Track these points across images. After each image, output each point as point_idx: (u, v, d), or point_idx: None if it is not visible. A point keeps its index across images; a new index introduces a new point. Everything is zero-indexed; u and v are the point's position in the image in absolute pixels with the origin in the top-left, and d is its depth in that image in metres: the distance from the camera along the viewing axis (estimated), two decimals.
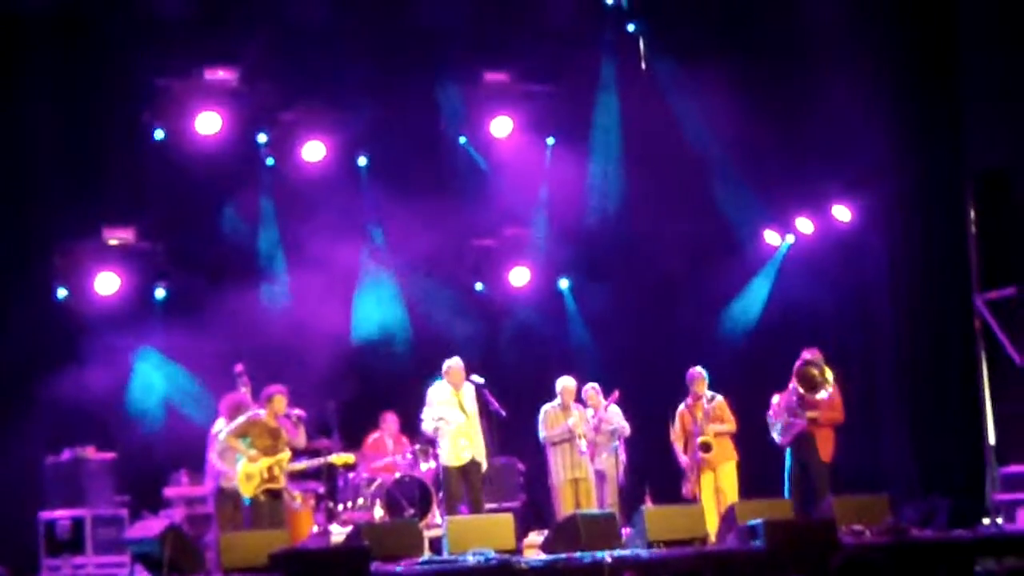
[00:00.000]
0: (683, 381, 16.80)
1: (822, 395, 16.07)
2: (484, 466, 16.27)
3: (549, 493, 17.09)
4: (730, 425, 16.60)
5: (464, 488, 15.96)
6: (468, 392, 16.24)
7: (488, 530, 14.41)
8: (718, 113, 18.76)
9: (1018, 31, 17.37)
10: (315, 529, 16.62)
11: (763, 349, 19.04)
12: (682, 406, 16.69)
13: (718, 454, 16.45)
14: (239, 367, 16.00)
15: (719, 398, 16.69)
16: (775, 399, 16.40)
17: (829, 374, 16.12)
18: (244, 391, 15.79)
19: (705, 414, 16.50)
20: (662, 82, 19.85)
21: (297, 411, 15.41)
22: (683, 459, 16.63)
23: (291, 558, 12.56)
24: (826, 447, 16.19)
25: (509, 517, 14.91)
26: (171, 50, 18.05)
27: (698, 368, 16.72)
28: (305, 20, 18.29)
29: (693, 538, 14.53)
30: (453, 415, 16.06)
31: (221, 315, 17.74)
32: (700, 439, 16.39)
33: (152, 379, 18.24)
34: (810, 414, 16.08)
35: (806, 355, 16.26)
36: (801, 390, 16.08)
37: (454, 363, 16.26)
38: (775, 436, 16.35)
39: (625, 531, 15.07)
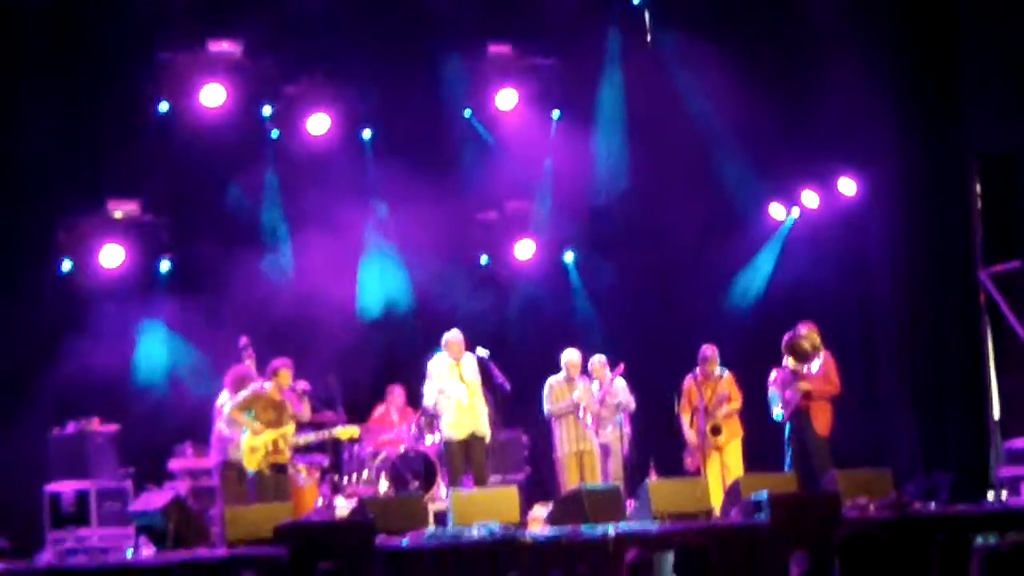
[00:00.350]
0: (687, 354, 16.83)
1: (815, 365, 16.07)
2: (488, 438, 16.27)
3: (554, 466, 17.13)
4: (736, 402, 16.63)
5: (466, 462, 15.97)
6: (469, 363, 16.24)
7: (493, 503, 14.41)
8: (723, 87, 18.72)
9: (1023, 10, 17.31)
10: (320, 502, 16.65)
11: (767, 323, 18.98)
12: (689, 378, 16.70)
13: (725, 432, 16.49)
14: (244, 340, 16.03)
15: (727, 373, 16.70)
16: (773, 375, 16.39)
17: (819, 345, 16.12)
18: (249, 364, 15.83)
19: (716, 396, 16.50)
20: (667, 56, 19.79)
21: (302, 384, 15.45)
22: (688, 432, 16.64)
23: (296, 531, 12.58)
24: (823, 420, 16.14)
25: (514, 490, 14.90)
26: (175, 23, 17.98)
27: (711, 345, 16.73)
28: None
29: (698, 512, 14.53)
30: (454, 387, 16.07)
31: (226, 288, 17.77)
32: (710, 423, 16.43)
33: (157, 352, 18.25)
34: (803, 386, 16.06)
35: (801, 329, 16.26)
36: (792, 364, 16.09)
37: (452, 335, 16.27)
38: (776, 412, 16.34)
39: (629, 504, 15.09)
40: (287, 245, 19.04)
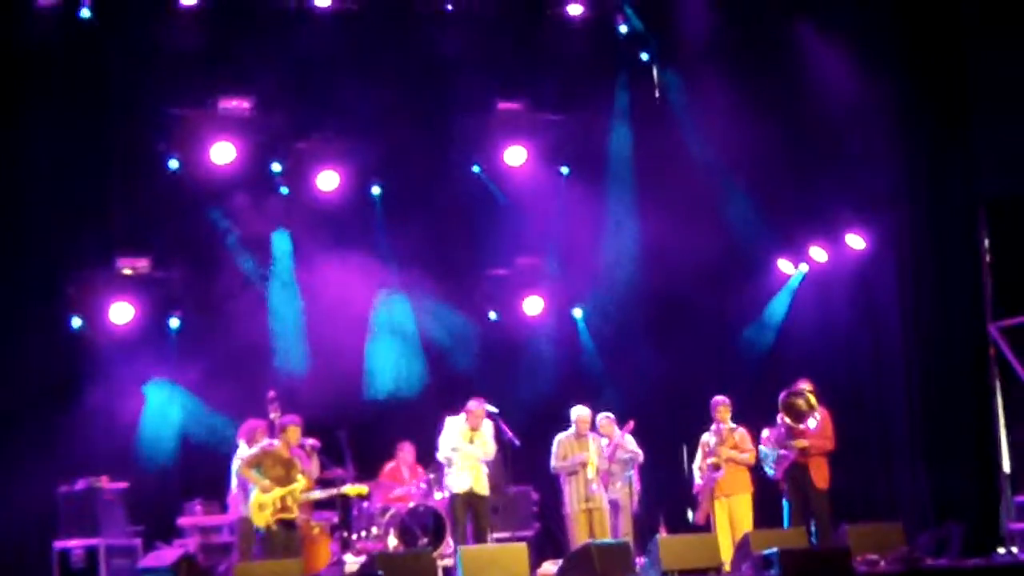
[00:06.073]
0: (696, 410, 16.78)
1: (810, 424, 15.98)
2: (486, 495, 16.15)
3: (563, 522, 17.06)
4: (749, 456, 16.53)
5: (469, 516, 15.92)
6: (487, 431, 16.19)
7: (502, 559, 14.38)
8: (732, 142, 18.78)
9: None
10: (330, 559, 16.60)
11: (777, 377, 18.94)
12: (706, 434, 16.66)
13: (735, 485, 16.40)
14: (271, 393, 15.75)
15: (741, 430, 16.63)
16: (765, 433, 16.33)
17: (815, 403, 16.05)
18: (273, 417, 15.57)
19: (718, 436, 16.45)
20: (676, 111, 19.87)
21: (311, 441, 15.44)
22: (697, 484, 16.60)
23: None
24: (822, 474, 16.01)
25: (523, 546, 14.87)
26: (186, 80, 18.14)
27: (721, 396, 16.70)
28: (319, 50, 18.37)
29: (707, 567, 14.48)
30: (463, 449, 16.03)
31: (235, 344, 17.78)
32: (711, 460, 16.39)
33: (166, 408, 18.26)
34: (799, 443, 15.96)
35: (798, 385, 16.21)
36: (788, 421, 15.99)
37: (474, 406, 16.21)
38: (768, 469, 16.27)
39: (639, 560, 15.04)
40: (297, 301, 19.03)
